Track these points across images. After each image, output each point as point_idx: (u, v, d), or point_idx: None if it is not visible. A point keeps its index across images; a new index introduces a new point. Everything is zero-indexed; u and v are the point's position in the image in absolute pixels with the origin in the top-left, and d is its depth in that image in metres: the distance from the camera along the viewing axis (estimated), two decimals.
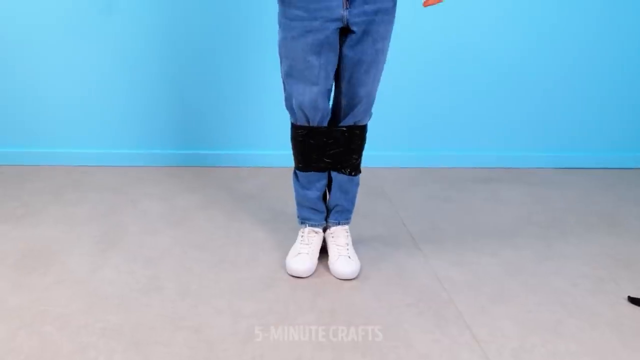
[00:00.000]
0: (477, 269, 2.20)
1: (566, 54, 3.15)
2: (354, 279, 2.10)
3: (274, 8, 1.94)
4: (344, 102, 2.04)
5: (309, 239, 2.18)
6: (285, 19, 1.91)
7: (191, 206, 2.63)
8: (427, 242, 2.39)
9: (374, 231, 2.45)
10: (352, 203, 2.22)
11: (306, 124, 2.04)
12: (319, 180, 2.14)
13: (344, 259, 2.10)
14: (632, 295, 2.04)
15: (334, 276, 2.11)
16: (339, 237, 2.19)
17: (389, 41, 1.99)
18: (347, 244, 2.17)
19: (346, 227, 2.22)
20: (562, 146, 3.32)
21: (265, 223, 2.50)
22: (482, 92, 3.15)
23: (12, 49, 2.85)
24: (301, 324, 1.83)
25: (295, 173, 2.17)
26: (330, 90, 2.02)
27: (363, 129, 2.11)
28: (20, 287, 1.98)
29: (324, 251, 2.21)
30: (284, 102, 2.07)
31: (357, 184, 2.19)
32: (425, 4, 1.93)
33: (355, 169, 2.15)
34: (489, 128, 3.22)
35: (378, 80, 2.04)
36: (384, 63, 2.02)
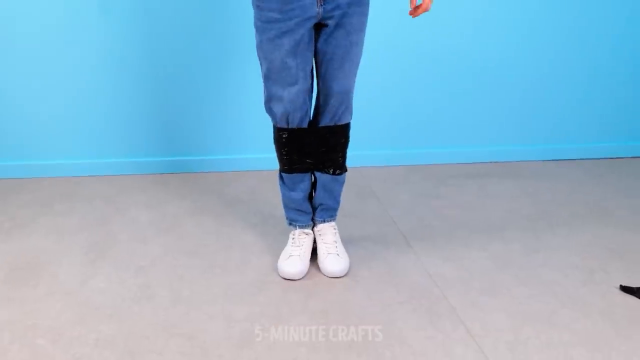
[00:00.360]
0: (468, 264, 2.21)
1: (550, 45, 3.16)
2: (343, 276, 2.10)
3: (251, 11, 1.94)
4: (321, 99, 2.04)
5: (299, 240, 2.18)
6: (261, 22, 1.91)
7: (180, 213, 2.62)
8: (418, 239, 2.40)
9: (364, 230, 2.45)
10: (337, 201, 2.22)
11: (286, 126, 2.03)
12: (303, 181, 2.14)
13: (333, 256, 2.11)
14: (623, 284, 2.05)
15: (324, 274, 2.11)
16: (327, 234, 2.19)
17: (364, 34, 1.98)
18: (336, 242, 2.17)
19: (332, 223, 2.23)
20: (550, 138, 3.33)
21: (254, 227, 2.49)
22: (468, 88, 3.16)
23: None
24: (295, 326, 1.83)
25: (280, 175, 2.17)
26: (311, 90, 2.02)
27: (344, 127, 2.10)
28: (11, 300, 1.96)
29: (315, 253, 2.21)
30: (263, 105, 2.07)
31: (342, 182, 2.19)
32: (413, 15, 1.93)
33: (339, 168, 2.15)
34: (476, 123, 3.23)
35: (354, 75, 2.02)
36: (360, 57, 2.01)
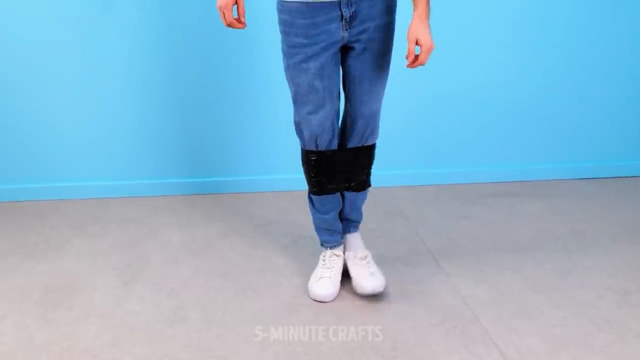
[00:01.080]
0: (500, 285, 2.19)
1: (578, 65, 3.14)
2: (379, 293, 2.08)
3: (279, 34, 1.97)
4: (348, 121, 2.06)
5: (330, 262, 2.19)
6: (288, 47, 1.94)
7: (211, 234, 2.64)
8: (448, 260, 2.39)
9: (394, 251, 2.45)
10: (360, 213, 2.25)
11: (315, 149, 2.05)
12: (333, 202, 2.15)
13: (366, 274, 2.09)
14: None
15: (359, 293, 2.09)
16: (357, 248, 2.20)
17: (390, 56, 2.01)
18: (366, 257, 2.16)
19: (357, 234, 2.24)
20: (580, 156, 3.30)
21: (285, 248, 2.50)
22: (497, 107, 3.15)
23: (27, 85, 2.88)
24: (326, 348, 1.83)
25: (309, 197, 2.18)
26: (338, 112, 2.04)
27: (371, 148, 2.13)
28: (47, 322, 1.99)
29: (346, 275, 2.21)
30: (295, 128, 2.09)
31: (365, 197, 2.22)
32: (410, 67, 1.89)
33: (364, 185, 2.17)
34: (504, 142, 3.22)
35: (381, 97, 2.05)
36: (386, 80, 2.04)
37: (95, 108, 2.94)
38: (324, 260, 2.20)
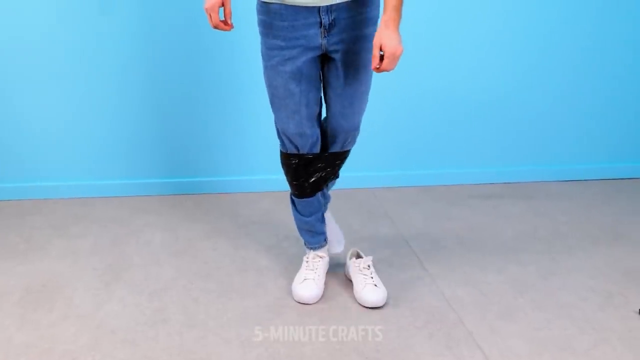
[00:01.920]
0: (484, 287, 2.20)
1: (561, 67, 3.17)
2: (382, 306, 2.07)
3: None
4: (329, 131, 2.06)
5: (313, 264, 2.18)
6: (266, 49, 1.93)
7: (193, 235, 2.62)
8: (433, 262, 2.39)
9: (378, 253, 2.44)
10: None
11: (296, 152, 2.04)
12: (314, 205, 2.15)
13: (371, 286, 2.08)
14: None
15: (361, 304, 2.08)
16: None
17: (371, 70, 1.95)
18: (370, 266, 2.15)
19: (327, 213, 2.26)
20: (562, 159, 3.32)
21: (269, 249, 2.49)
22: (479, 108, 3.16)
23: (5, 83, 2.85)
24: (310, 350, 1.82)
25: (291, 199, 2.18)
26: (318, 116, 2.03)
27: (349, 150, 2.14)
28: (26, 324, 1.96)
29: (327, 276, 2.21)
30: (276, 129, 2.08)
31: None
32: (376, 71, 1.82)
33: (336, 177, 2.21)
34: (487, 144, 3.23)
35: (363, 111, 2.05)
36: (368, 93, 2.03)
37: (76, 107, 2.92)
38: (307, 261, 2.19)
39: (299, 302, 2.09)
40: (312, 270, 2.16)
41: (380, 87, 2.81)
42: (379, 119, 3.05)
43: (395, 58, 1.76)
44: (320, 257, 2.20)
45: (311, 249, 2.22)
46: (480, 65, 3.10)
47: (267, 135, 2.90)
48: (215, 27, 1.88)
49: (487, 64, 3.10)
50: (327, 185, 2.18)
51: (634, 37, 3.17)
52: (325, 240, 2.23)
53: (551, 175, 3.31)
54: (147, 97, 2.94)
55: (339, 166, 2.15)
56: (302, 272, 2.17)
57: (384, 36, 1.76)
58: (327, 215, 2.26)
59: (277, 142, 2.10)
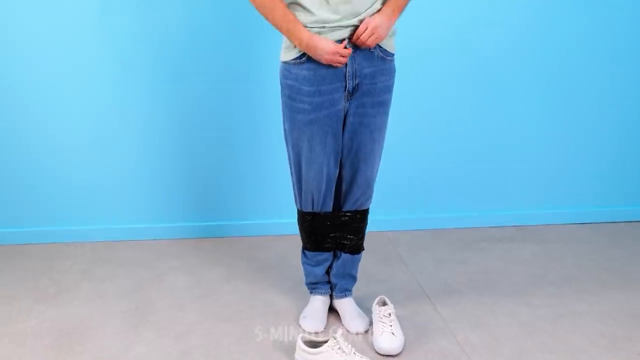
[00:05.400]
0: (495, 331, 2.28)
1: (570, 113, 3.28)
2: (397, 355, 2.13)
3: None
4: (344, 187, 2.20)
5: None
6: (291, 112, 2.07)
7: (215, 278, 2.73)
8: (445, 305, 2.48)
9: (392, 296, 2.53)
10: (355, 278, 2.39)
11: (311, 210, 2.18)
12: (325, 260, 2.31)
13: (388, 335, 2.15)
14: None
15: (377, 352, 2.15)
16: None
17: (385, 131, 2.15)
18: (390, 314, 2.23)
19: (349, 299, 2.37)
20: (571, 202, 3.41)
21: (287, 292, 2.59)
22: (489, 154, 3.27)
23: (34, 128, 3.00)
24: None
25: (303, 252, 2.33)
26: (335, 176, 2.16)
27: (365, 212, 2.26)
28: None
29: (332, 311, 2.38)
30: (293, 188, 2.23)
31: (359, 261, 2.36)
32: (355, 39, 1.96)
33: (357, 249, 2.31)
34: (499, 188, 3.33)
35: (377, 168, 2.20)
36: (381, 151, 2.18)
37: (102, 153, 3.05)
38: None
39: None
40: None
41: (395, 133, 2.94)
42: (392, 164, 3.16)
43: (375, 35, 1.94)
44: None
45: (317, 294, 2.40)
46: (490, 112, 3.22)
47: (283, 180, 3.02)
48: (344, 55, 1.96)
49: (497, 110, 3.22)
50: (347, 247, 2.29)
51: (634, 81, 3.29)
52: (327, 293, 2.40)
53: (561, 219, 3.40)
54: (170, 148, 3.08)
55: (357, 232, 2.27)
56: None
57: (377, 18, 1.94)
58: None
59: (290, 187, 2.24)
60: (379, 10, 1.97)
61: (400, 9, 2.00)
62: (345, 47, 1.95)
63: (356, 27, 1.95)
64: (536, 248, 3.06)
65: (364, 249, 2.34)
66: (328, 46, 1.91)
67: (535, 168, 3.34)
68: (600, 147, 3.36)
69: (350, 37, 1.96)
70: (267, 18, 1.98)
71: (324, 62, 1.94)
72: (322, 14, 1.92)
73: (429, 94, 3.13)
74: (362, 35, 1.93)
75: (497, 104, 3.22)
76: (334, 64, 1.95)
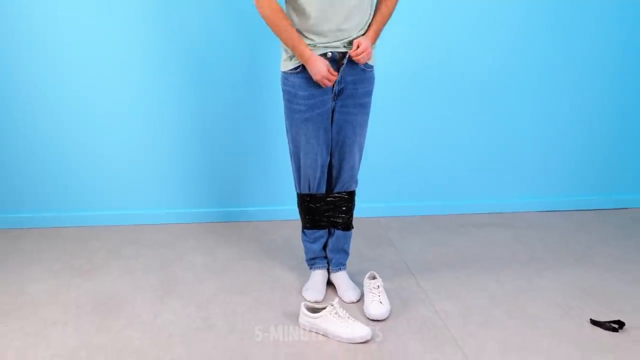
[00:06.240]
0: (467, 302, 2.68)
1: (540, 110, 3.64)
2: (384, 320, 2.53)
3: None
4: (334, 173, 2.63)
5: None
6: (290, 112, 2.51)
7: (229, 257, 3.13)
8: (426, 280, 2.88)
9: (381, 272, 2.90)
10: (347, 253, 2.79)
11: (308, 192, 2.61)
12: (322, 236, 2.73)
13: (376, 303, 2.55)
14: (593, 319, 2.51)
15: (367, 317, 2.54)
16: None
17: (366, 127, 2.58)
18: (379, 286, 2.63)
19: (343, 272, 2.78)
20: (543, 192, 3.79)
21: (292, 269, 2.99)
22: (472, 150, 3.65)
23: (70, 119, 3.38)
24: (329, 348, 2.32)
25: (303, 231, 2.76)
26: (327, 163, 2.59)
27: (352, 194, 2.69)
28: (101, 329, 2.46)
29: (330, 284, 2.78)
30: (293, 175, 2.65)
31: (350, 237, 2.77)
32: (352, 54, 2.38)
33: (347, 226, 2.72)
34: (478, 180, 3.72)
35: (360, 156, 2.63)
36: (363, 143, 2.61)
37: (130, 146, 3.45)
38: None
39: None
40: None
41: (386, 129, 3.33)
42: (384, 157, 3.54)
43: (364, 54, 2.37)
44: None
45: (316, 268, 2.80)
46: (470, 114, 3.59)
47: (289, 171, 3.40)
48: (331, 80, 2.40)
49: (477, 113, 3.59)
50: (339, 224, 2.70)
51: (613, 76, 3.64)
52: (324, 267, 2.80)
53: (534, 207, 3.79)
54: (190, 144, 3.49)
55: (348, 212, 2.68)
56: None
57: (363, 40, 2.38)
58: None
59: (292, 177, 2.69)
60: (365, 32, 2.42)
61: (380, 32, 2.47)
62: (337, 70, 2.40)
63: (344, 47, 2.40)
64: (509, 233, 3.47)
65: (353, 227, 2.75)
66: (322, 68, 2.34)
67: (511, 162, 3.71)
68: (570, 143, 3.72)
69: (345, 55, 2.38)
70: (276, 34, 2.39)
71: (314, 79, 2.37)
72: (318, 40, 2.39)
73: (420, 93, 3.50)
74: (358, 57, 2.37)
75: (480, 104, 3.58)
76: (321, 84, 2.37)
